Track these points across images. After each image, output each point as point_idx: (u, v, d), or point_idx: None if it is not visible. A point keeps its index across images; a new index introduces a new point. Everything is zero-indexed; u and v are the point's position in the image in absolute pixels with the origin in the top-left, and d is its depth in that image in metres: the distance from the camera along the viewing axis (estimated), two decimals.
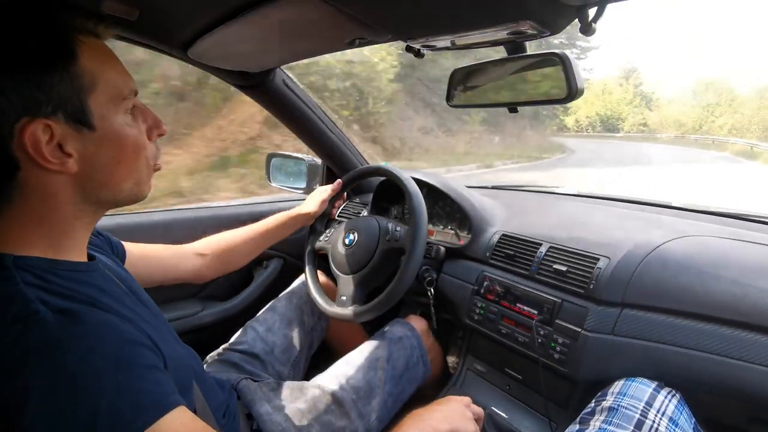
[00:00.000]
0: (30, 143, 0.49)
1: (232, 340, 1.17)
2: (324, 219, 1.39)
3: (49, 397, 0.44)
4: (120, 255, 0.86)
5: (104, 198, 0.59)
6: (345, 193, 1.43)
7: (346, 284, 1.19)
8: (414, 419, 0.75)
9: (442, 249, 1.28)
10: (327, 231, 1.37)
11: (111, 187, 0.58)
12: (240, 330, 1.20)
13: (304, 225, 1.32)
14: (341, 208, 1.68)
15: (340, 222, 1.47)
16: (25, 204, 0.53)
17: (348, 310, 1.14)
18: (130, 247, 0.90)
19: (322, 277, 1.34)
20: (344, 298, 1.18)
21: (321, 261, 1.36)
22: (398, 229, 1.21)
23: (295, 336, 1.22)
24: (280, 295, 1.32)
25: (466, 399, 0.84)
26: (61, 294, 0.51)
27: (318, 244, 1.34)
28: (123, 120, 0.57)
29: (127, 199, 0.61)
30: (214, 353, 1.14)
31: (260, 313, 1.26)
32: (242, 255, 1.17)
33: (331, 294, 1.26)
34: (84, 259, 0.61)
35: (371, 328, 1.34)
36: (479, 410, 0.84)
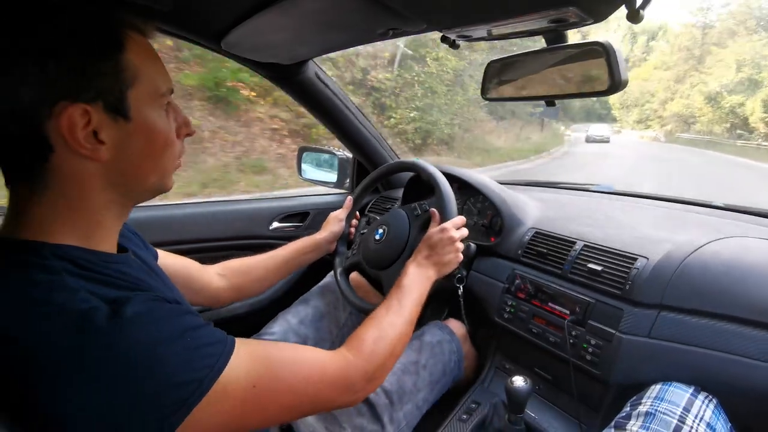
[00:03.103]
0: (66, 126, 0.50)
1: (263, 329, 1.17)
2: (344, 241, 1.34)
3: (119, 387, 0.46)
4: (153, 255, 0.85)
5: (131, 189, 0.60)
6: (357, 212, 1.39)
7: (393, 276, 1.10)
8: (409, 273, 0.94)
9: (473, 246, 1.24)
10: (353, 246, 1.35)
11: (138, 178, 0.59)
12: (272, 321, 1.20)
13: (328, 252, 1.29)
14: (372, 202, 1.67)
15: (369, 221, 1.45)
16: (57, 191, 0.53)
17: None
18: (162, 253, 0.89)
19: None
20: None
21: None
22: (424, 202, 1.18)
23: (327, 330, 1.22)
24: (312, 289, 1.32)
25: (445, 225, 1.01)
26: (106, 283, 0.52)
27: (347, 263, 1.29)
28: (157, 115, 0.59)
29: (152, 191, 0.63)
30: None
31: (293, 305, 1.26)
32: (259, 282, 1.14)
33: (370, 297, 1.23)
34: (115, 250, 0.62)
35: None
36: (461, 222, 1.04)
